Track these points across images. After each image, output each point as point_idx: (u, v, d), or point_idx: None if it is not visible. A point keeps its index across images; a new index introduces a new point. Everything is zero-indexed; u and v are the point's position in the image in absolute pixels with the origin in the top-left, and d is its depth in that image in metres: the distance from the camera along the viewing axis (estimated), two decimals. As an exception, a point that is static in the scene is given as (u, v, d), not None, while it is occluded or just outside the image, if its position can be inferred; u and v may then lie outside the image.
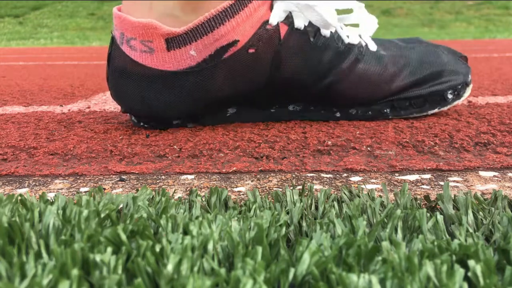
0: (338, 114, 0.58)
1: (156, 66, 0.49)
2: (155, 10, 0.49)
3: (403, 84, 0.56)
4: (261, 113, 0.58)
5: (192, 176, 0.40)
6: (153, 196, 0.32)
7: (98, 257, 0.20)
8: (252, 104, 0.56)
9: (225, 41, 0.48)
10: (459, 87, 0.59)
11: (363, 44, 0.56)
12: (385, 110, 0.58)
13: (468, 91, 0.61)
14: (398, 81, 0.56)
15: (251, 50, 0.49)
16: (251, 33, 0.49)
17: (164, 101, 0.52)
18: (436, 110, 0.59)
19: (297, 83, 0.54)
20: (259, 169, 0.41)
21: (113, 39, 0.52)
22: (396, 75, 0.56)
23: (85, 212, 0.25)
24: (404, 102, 0.57)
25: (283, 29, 0.51)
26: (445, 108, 0.59)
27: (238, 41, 0.48)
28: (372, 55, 0.56)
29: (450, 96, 0.58)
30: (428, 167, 0.40)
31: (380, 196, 0.32)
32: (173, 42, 0.47)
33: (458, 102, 0.60)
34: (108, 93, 0.93)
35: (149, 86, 0.51)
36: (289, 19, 0.51)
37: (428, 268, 0.19)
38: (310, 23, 0.52)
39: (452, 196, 0.32)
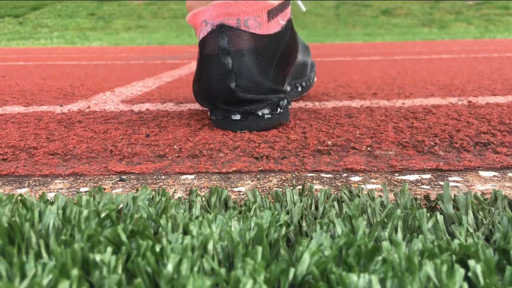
0: (299, 88, 0.76)
1: (264, 33, 0.56)
2: None
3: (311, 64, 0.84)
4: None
5: (192, 176, 0.39)
6: (153, 196, 0.32)
7: (98, 257, 0.20)
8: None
9: (289, 11, 0.60)
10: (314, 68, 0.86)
11: None
12: (309, 82, 0.80)
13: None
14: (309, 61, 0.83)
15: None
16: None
17: (270, 56, 0.56)
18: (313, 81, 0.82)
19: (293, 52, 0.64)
20: (259, 169, 0.41)
21: (220, 28, 0.53)
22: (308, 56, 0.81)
23: (85, 212, 0.25)
24: (309, 79, 0.81)
25: None
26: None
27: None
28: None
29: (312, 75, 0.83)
30: (428, 167, 0.40)
31: (380, 196, 0.32)
32: (271, 13, 0.56)
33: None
34: (108, 92, 0.93)
35: (263, 50, 0.55)
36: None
37: (428, 268, 0.19)
38: None
39: (452, 196, 0.32)
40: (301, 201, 0.30)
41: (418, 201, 0.31)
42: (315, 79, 0.84)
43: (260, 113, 0.54)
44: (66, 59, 2.27)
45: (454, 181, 0.37)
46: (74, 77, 1.33)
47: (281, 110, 0.55)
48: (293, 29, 0.62)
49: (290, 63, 0.60)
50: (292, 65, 0.62)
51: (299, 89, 0.76)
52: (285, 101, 0.56)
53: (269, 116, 0.54)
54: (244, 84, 0.53)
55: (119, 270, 0.20)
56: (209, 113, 0.58)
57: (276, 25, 0.56)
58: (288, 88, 0.70)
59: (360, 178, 0.38)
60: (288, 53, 0.59)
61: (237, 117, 0.54)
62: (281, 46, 0.57)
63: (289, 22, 0.60)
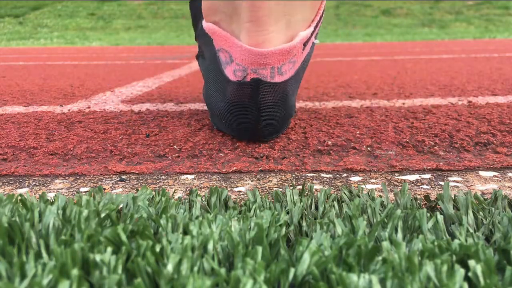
0: None
1: (297, 67, 0.51)
2: (294, 23, 0.49)
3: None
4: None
5: (192, 176, 0.39)
6: (153, 196, 0.32)
7: (98, 257, 0.20)
8: None
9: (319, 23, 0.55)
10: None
11: None
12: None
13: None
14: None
15: None
16: None
17: (299, 80, 0.52)
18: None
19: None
20: (259, 169, 0.41)
21: (255, 82, 0.47)
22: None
23: (85, 212, 0.25)
24: None
25: None
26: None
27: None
28: None
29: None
30: (428, 167, 0.40)
31: (380, 196, 0.32)
32: (306, 43, 0.50)
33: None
34: (108, 92, 0.93)
35: (294, 82, 0.51)
36: None
37: (428, 268, 0.19)
38: None
39: (452, 196, 0.32)
40: (301, 201, 0.30)
41: (418, 201, 0.31)
42: None
43: (268, 138, 0.51)
44: (66, 59, 2.27)
45: (454, 181, 0.37)
46: (74, 77, 1.33)
47: (286, 127, 0.53)
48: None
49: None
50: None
51: None
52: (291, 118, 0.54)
53: (275, 136, 0.52)
54: (268, 128, 0.49)
55: (119, 270, 0.20)
56: (209, 116, 0.56)
57: (308, 47, 0.52)
58: None
59: (360, 178, 0.38)
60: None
61: (245, 138, 0.51)
62: (308, 61, 0.53)
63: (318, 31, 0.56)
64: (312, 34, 0.51)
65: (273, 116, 0.48)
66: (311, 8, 0.50)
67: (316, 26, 0.52)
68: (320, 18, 0.54)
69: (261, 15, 0.45)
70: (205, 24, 0.52)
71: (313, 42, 0.53)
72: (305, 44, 0.50)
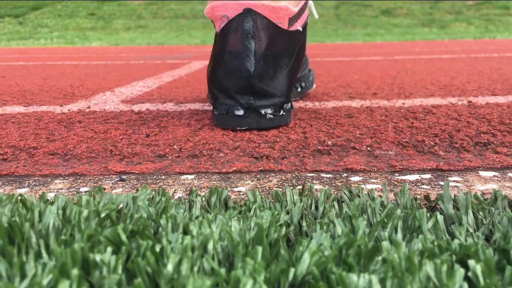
0: (299, 89, 0.78)
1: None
2: None
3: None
4: None
5: (192, 176, 0.40)
6: (153, 196, 0.32)
7: (98, 257, 0.20)
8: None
9: (306, 15, 0.61)
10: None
11: None
12: (308, 83, 0.84)
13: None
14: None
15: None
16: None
17: (288, 54, 0.57)
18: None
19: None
20: (259, 169, 0.41)
21: (247, 11, 0.53)
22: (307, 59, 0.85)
23: (85, 212, 0.25)
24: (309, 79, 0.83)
25: None
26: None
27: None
28: None
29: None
30: (428, 167, 0.40)
31: (380, 196, 0.32)
32: (291, 20, 0.56)
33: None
34: (108, 92, 0.93)
35: (283, 45, 0.56)
36: None
37: (428, 268, 0.19)
38: None
39: (452, 196, 0.32)
40: (301, 201, 0.30)
41: (418, 201, 0.31)
42: (314, 85, 0.85)
43: (263, 112, 0.54)
44: (66, 59, 2.27)
45: (454, 181, 0.37)
46: (74, 77, 1.33)
47: (284, 113, 0.56)
48: (305, 34, 0.63)
49: (299, 68, 0.61)
50: (299, 71, 0.63)
51: (299, 89, 0.77)
52: (289, 104, 0.57)
53: (271, 116, 0.54)
54: (261, 71, 0.53)
55: (119, 270, 0.20)
56: (211, 108, 0.57)
57: (294, 27, 0.58)
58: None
59: (360, 178, 0.38)
60: (299, 57, 0.60)
61: (240, 112, 0.54)
62: (296, 48, 0.58)
63: (305, 27, 0.61)
64: (297, 17, 0.57)
65: (263, 58, 0.53)
66: None
67: (299, 12, 0.58)
68: (303, 7, 0.59)
69: None
70: (206, 7, 0.58)
71: (298, 29, 0.58)
72: (290, 21, 0.56)
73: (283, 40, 0.55)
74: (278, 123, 0.55)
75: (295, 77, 0.59)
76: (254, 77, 0.53)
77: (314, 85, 0.85)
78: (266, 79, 0.54)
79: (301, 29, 0.58)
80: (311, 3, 0.72)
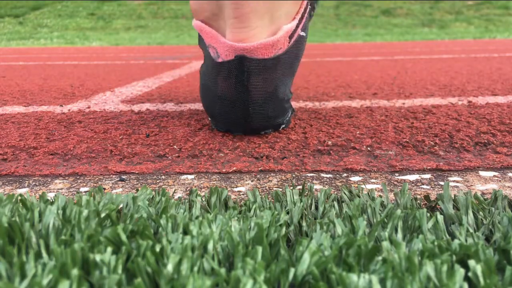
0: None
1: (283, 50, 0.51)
2: (278, 18, 0.50)
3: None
4: None
5: (192, 176, 0.40)
6: (153, 196, 0.32)
7: (98, 257, 0.20)
8: None
9: (306, 15, 0.56)
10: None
11: None
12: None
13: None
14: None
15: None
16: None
17: (291, 68, 0.52)
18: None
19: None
20: (259, 169, 0.41)
21: (240, 60, 0.48)
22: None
23: (85, 212, 0.25)
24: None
25: None
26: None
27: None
28: None
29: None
30: (428, 167, 0.40)
31: (380, 196, 0.32)
32: (292, 35, 0.51)
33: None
34: (108, 92, 0.93)
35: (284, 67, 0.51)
36: None
37: (428, 268, 0.19)
38: None
39: (452, 196, 0.32)
40: (301, 201, 0.30)
41: (418, 201, 0.31)
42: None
43: (263, 133, 0.52)
44: (66, 59, 2.27)
45: (454, 181, 0.37)
46: (74, 77, 1.33)
47: (284, 126, 0.54)
48: (307, 28, 0.58)
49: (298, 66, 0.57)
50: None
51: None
52: (289, 114, 0.54)
53: (271, 131, 0.53)
54: (259, 111, 0.49)
55: (119, 270, 0.20)
56: (209, 119, 0.56)
57: (294, 39, 0.52)
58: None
59: (360, 178, 0.38)
60: (301, 56, 0.56)
61: (239, 133, 0.52)
62: (299, 54, 0.53)
63: (306, 25, 0.56)
64: (297, 27, 0.52)
65: (263, 101, 0.49)
66: (294, 2, 0.52)
67: (301, 19, 0.53)
68: (305, 11, 0.54)
69: (244, 12, 0.47)
70: (194, 22, 0.53)
71: (300, 35, 0.53)
72: (290, 37, 0.50)
73: (284, 62, 0.50)
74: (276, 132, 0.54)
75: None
76: (251, 120, 0.50)
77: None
78: (266, 114, 0.50)
79: (304, 34, 0.54)
80: None
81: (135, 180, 0.39)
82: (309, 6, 0.57)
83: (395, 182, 0.37)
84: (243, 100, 0.48)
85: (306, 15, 0.55)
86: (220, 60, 0.49)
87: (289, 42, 0.50)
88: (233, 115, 0.50)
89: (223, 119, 0.51)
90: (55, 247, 0.20)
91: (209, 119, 0.56)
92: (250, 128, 0.51)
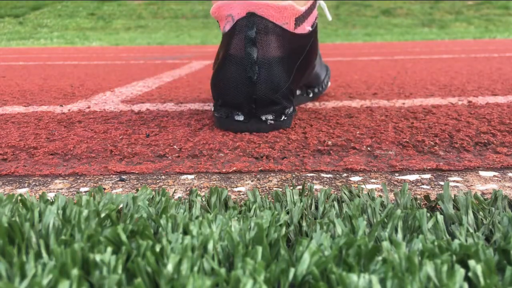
0: (311, 94, 0.73)
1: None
2: None
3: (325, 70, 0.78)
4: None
5: (192, 176, 0.40)
6: (153, 196, 0.32)
7: (98, 257, 0.20)
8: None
9: (316, 13, 0.59)
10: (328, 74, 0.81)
11: None
12: (322, 88, 0.77)
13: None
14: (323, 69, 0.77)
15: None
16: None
17: (294, 57, 0.55)
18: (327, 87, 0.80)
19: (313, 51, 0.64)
20: (259, 169, 0.41)
21: (250, 16, 0.51)
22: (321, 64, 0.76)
23: (85, 212, 0.25)
24: (323, 85, 0.77)
25: None
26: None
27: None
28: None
29: (327, 82, 0.81)
30: (428, 167, 0.40)
31: (380, 196, 0.32)
32: (298, 20, 0.54)
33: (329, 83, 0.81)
34: (108, 92, 0.93)
35: (289, 48, 0.54)
36: None
37: (428, 268, 0.19)
38: None
39: (452, 196, 0.32)
40: (301, 201, 0.30)
41: (418, 201, 0.31)
42: (329, 83, 0.82)
43: (263, 118, 0.53)
44: (66, 59, 2.27)
45: (454, 181, 0.37)
46: (74, 77, 1.33)
47: (285, 118, 0.54)
48: (316, 36, 0.60)
49: (307, 70, 0.59)
50: (307, 73, 0.61)
51: (310, 95, 0.73)
52: (292, 109, 0.55)
53: (271, 122, 0.53)
54: (264, 79, 0.51)
55: (119, 270, 0.20)
56: (212, 109, 0.57)
57: (302, 31, 0.56)
58: (298, 92, 0.67)
59: (360, 178, 0.38)
60: (308, 59, 0.58)
61: (240, 118, 0.53)
62: (304, 50, 0.56)
63: (315, 27, 0.58)
64: (305, 17, 0.55)
65: (267, 66, 0.51)
66: None
67: (308, 11, 0.56)
68: (311, 9, 0.57)
69: None
70: (212, 9, 0.56)
71: (308, 29, 0.56)
72: (296, 21, 0.53)
73: (289, 42, 0.53)
74: (279, 128, 0.54)
75: (302, 80, 0.58)
76: (256, 86, 0.51)
77: (329, 84, 0.81)
78: (269, 86, 0.52)
79: (310, 29, 0.56)
80: (323, 3, 0.69)
81: (135, 180, 0.39)
82: (316, 10, 0.60)
83: (395, 182, 0.37)
84: (250, 55, 0.51)
85: (313, 17, 0.58)
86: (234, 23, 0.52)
87: (295, 26, 0.53)
88: (241, 79, 0.51)
89: (228, 78, 0.52)
90: (55, 247, 0.20)
91: (212, 109, 0.56)
92: (255, 100, 0.52)
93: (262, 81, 0.51)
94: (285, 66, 0.53)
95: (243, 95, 0.52)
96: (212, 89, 0.56)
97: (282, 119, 0.54)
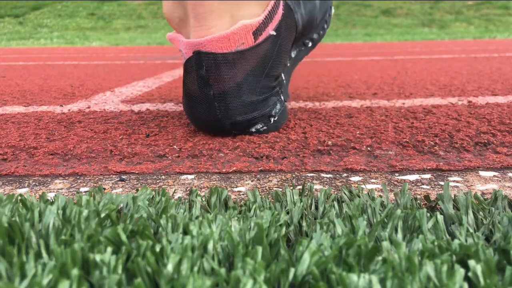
0: (309, 44, 0.67)
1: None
2: (240, 17, 0.50)
3: (324, 11, 0.70)
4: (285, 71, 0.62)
5: (192, 176, 0.40)
6: (153, 196, 0.32)
7: (98, 257, 0.20)
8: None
9: (282, 10, 0.55)
10: (331, 7, 0.73)
11: None
12: (323, 31, 0.70)
13: (333, 9, 0.74)
14: (320, 10, 0.69)
15: (283, 10, 0.57)
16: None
17: (259, 67, 0.53)
18: (327, 25, 0.72)
19: (304, 25, 0.62)
20: (259, 169, 0.41)
21: (197, 55, 0.50)
22: (316, 7, 0.68)
23: (85, 212, 0.25)
24: (324, 23, 0.70)
25: None
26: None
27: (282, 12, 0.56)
28: None
29: (332, 12, 0.73)
30: (428, 167, 0.40)
31: (380, 196, 0.32)
32: (258, 31, 0.51)
33: (331, 14, 0.74)
34: (108, 92, 0.93)
35: (249, 65, 0.52)
36: None
37: (428, 268, 0.19)
38: None
39: (452, 196, 0.32)
40: (301, 201, 0.30)
41: (418, 201, 0.31)
42: (332, 12, 0.74)
43: (253, 129, 0.52)
44: (66, 59, 2.27)
45: (454, 181, 0.37)
46: (74, 77, 1.33)
47: (275, 118, 0.53)
48: (287, 26, 0.56)
49: (283, 62, 0.56)
50: (286, 61, 0.58)
51: (309, 44, 0.67)
52: (278, 106, 0.54)
53: (264, 128, 0.52)
54: (229, 108, 0.50)
55: (119, 270, 0.20)
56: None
57: (262, 38, 0.52)
58: (293, 54, 0.63)
59: (360, 178, 0.38)
60: (282, 54, 0.55)
61: (217, 131, 0.53)
62: (272, 53, 0.53)
63: (281, 24, 0.54)
64: (265, 25, 0.52)
65: (225, 98, 0.50)
66: (259, 3, 0.52)
67: (269, 18, 0.52)
68: (274, 10, 0.53)
69: (201, 11, 0.49)
70: (167, 35, 0.57)
71: (271, 34, 0.53)
72: (255, 34, 0.51)
73: (251, 57, 0.51)
74: (275, 128, 0.54)
75: (279, 71, 0.55)
76: (225, 120, 0.50)
77: (333, 11, 0.74)
78: (237, 113, 0.50)
79: (274, 32, 0.53)
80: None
81: (135, 180, 0.39)
82: (282, 8, 0.56)
83: (395, 182, 0.37)
84: (207, 95, 0.50)
85: (278, 15, 0.54)
86: (184, 60, 0.51)
87: (255, 39, 0.51)
88: (202, 112, 0.51)
89: (196, 117, 0.52)
90: (55, 247, 0.20)
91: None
92: (222, 126, 0.51)
93: (227, 114, 0.50)
94: (250, 85, 0.51)
95: (219, 128, 0.51)
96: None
97: (272, 121, 0.53)
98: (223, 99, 0.50)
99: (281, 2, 0.56)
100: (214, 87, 0.49)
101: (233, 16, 0.50)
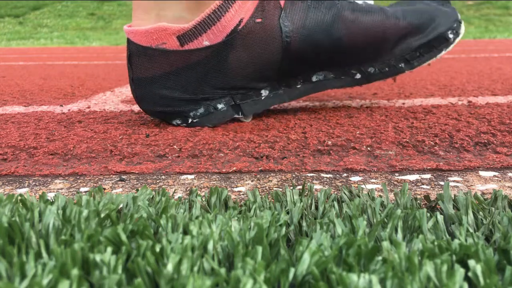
0: (358, 76, 0.61)
1: (175, 62, 0.55)
2: (164, 17, 0.54)
3: (405, 32, 0.60)
4: (291, 92, 0.61)
5: (192, 176, 0.40)
6: (153, 196, 0.32)
7: (98, 257, 0.20)
8: (280, 82, 0.59)
9: (233, 24, 0.53)
10: (455, 25, 0.63)
11: None
12: (400, 65, 0.62)
13: (463, 27, 0.64)
14: (399, 30, 0.60)
15: (258, 20, 0.54)
16: (253, 7, 0.54)
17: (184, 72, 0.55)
18: (443, 52, 0.62)
19: (310, 44, 0.57)
20: (259, 169, 0.41)
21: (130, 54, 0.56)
22: (396, 25, 0.60)
23: (85, 212, 0.25)
24: (415, 53, 0.61)
25: None
26: (449, 48, 0.62)
27: (243, 18, 0.53)
28: (366, 6, 0.61)
29: (451, 36, 0.62)
30: (428, 167, 0.40)
31: (380, 196, 0.32)
32: (185, 38, 0.53)
33: (458, 39, 0.63)
34: (108, 92, 0.93)
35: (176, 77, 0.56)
36: None
37: (428, 268, 0.19)
38: None
39: (452, 196, 0.32)
40: (301, 201, 0.30)
41: (418, 201, 0.31)
42: (452, 41, 0.62)
43: (174, 123, 0.57)
44: (66, 59, 2.27)
45: (454, 181, 0.37)
46: (74, 77, 1.33)
47: (195, 120, 0.56)
48: (257, 39, 0.54)
49: (241, 75, 0.55)
50: (254, 75, 0.56)
51: (357, 76, 0.61)
52: (201, 110, 0.56)
53: (184, 124, 0.57)
54: (141, 97, 0.57)
55: (119, 270, 0.20)
56: None
57: (197, 46, 0.53)
58: (315, 78, 0.60)
59: (360, 178, 0.38)
60: (237, 68, 0.54)
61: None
62: (209, 62, 0.53)
63: (239, 35, 0.53)
64: (197, 34, 0.52)
65: (139, 83, 0.56)
66: (190, 10, 0.54)
67: (201, 28, 0.52)
68: (211, 21, 0.52)
69: (136, 4, 0.56)
70: None
71: (205, 45, 0.52)
72: (181, 39, 0.53)
73: (176, 60, 0.54)
74: (200, 125, 0.57)
75: (235, 84, 0.55)
76: (139, 103, 0.58)
77: (441, 54, 0.62)
78: (147, 102, 0.57)
79: (208, 43, 0.53)
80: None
81: (135, 180, 0.39)
82: (250, 19, 0.53)
83: (395, 182, 0.37)
84: (130, 77, 0.57)
85: (229, 26, 0.53)
86: None
87: (181, 44, 0.53)
88: (132, 91, 0.58)
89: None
90: (55, 247, 0.20)
91: None
92: (144, 110, 0.59)
93: (140, 100, 0.57)
94: (169, 82, 0.55)
95: (145, 111, 0.59)
96: None
97: (190, 122, 0.57)
98: (138, 86, 0.56)
99: (229, 23, 0.53)
100: (134, 72, 0.56)
101: (159, 15, 0.54)
